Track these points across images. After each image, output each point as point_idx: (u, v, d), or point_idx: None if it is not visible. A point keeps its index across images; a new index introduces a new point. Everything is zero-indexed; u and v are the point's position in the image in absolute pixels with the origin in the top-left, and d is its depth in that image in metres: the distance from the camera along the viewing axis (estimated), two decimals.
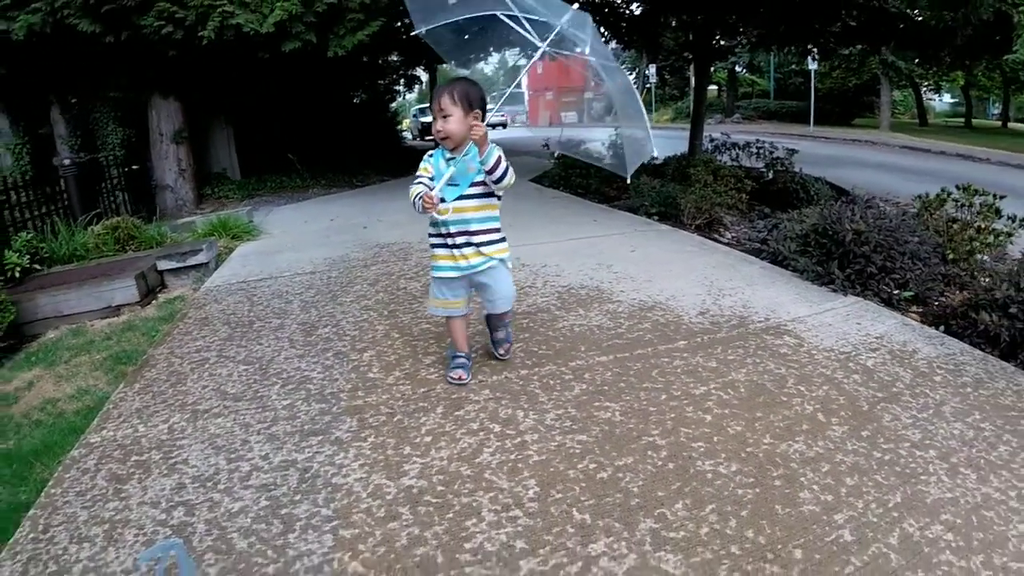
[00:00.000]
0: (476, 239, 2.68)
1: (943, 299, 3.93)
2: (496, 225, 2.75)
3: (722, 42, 11.34)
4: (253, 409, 2.66)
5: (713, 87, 43.61)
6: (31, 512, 2.09)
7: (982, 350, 3.16)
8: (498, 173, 2.58)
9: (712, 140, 9.75)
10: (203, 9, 6.91)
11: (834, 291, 3.89)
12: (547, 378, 2.81)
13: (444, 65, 19.30)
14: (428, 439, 2.35)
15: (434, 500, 2.00)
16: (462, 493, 2.03)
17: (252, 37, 7.10)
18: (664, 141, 10.27)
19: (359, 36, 7.63)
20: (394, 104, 16.71)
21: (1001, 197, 4.67)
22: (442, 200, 2.58)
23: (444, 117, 2.58)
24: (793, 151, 9.27)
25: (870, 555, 1.73)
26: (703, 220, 6.02)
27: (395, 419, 2.51)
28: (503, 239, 2.78)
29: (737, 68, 37.10)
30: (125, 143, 8.84)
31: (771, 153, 9.19)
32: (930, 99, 44.89)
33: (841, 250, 4.02)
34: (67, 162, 6.85)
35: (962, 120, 35.86)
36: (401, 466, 2.19)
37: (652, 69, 35.48)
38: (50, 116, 8.54)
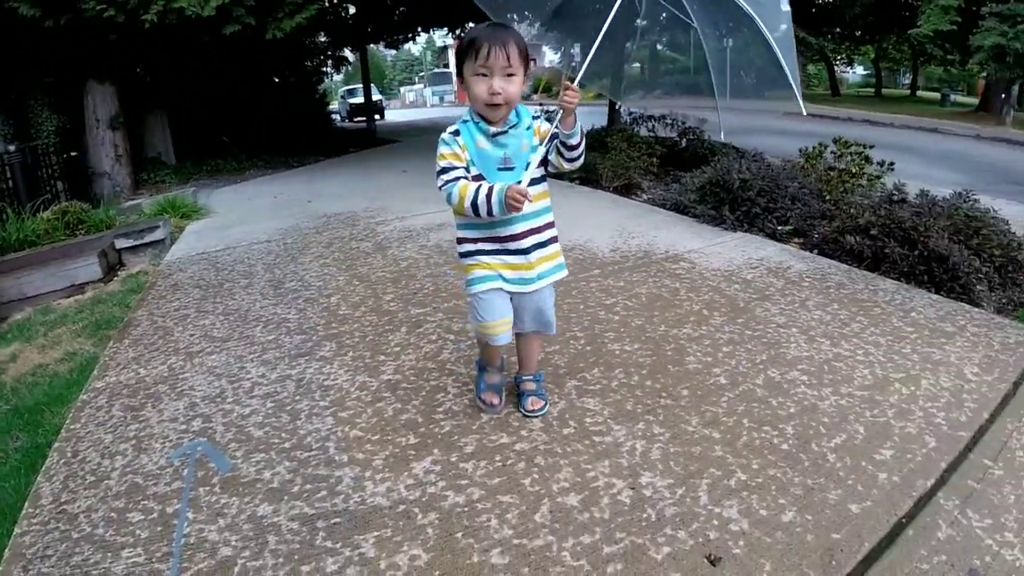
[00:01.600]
0: (544, 237, 2.19)
1: (820, 230, 4.70)
2: (553, 219, 2.25)
3: None
4: (242, 345, 3.13)
5: (636, 64, 44.48)
6: (56, 445, 2.35)
7: (848, 265, 3.92)
8: (582, 146, 2.10)
9: (631, 113, 10.45)
10: None
11: (726, 229, 4.60)
12: None
13: (372, 46, 19.38)
14: (397, 349, 2.90)
15: (409, 386, 2.56)
16: (431, 379, 2.59)
17: (193, 20, 7.34)
18: (586, 117, 10.93)
19: (297, 19, 7.95)
20: (322, 86, 16.85)
21: (870, 147, 5.48)
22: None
23: (508, 76, 2.00)
24: (704, 120, 10.04)
25: (740, 391, 2.39)
26: (620, 183, 6.68)
27: (367, 339, 3.04)
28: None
29: (658, 46, 37.87)
30: (60, 130, 8.88)
31: (683, 123, 9.95)
32: (844, 72, 47.11)
33: (731, 196, 4.75)
34: (12, 149, 7.01)
35: (873, 91, 37.86)
36: (379, 368, 2.73)
37: (577, 48, 36.00)
38: None
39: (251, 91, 11.83)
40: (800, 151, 5.82)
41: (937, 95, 33.94)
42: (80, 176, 8.95)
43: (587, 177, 6.87)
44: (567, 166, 2.13)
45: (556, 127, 2.05)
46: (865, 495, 1.86)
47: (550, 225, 2.22)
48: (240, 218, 6.37)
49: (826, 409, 2.29)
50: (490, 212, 2.01)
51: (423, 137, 14.13)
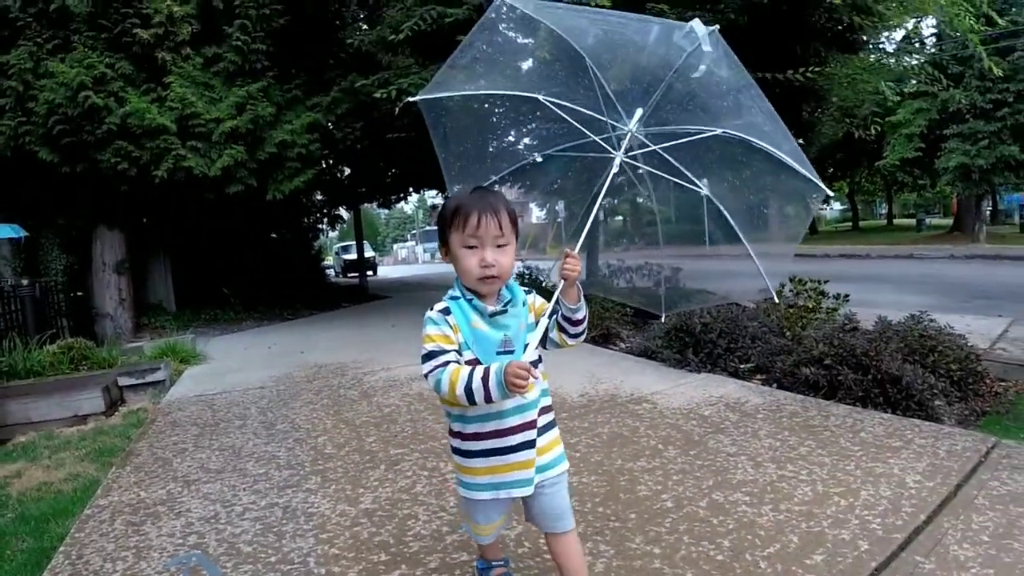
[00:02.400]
0: (544, 421, 1.92)
1: (779, 366, 5.06)
2: (551, 401, 2.00)
3: None
4: (236, 476, 3.41)
5: (619, 217, 46.62)
6: (61, 549, 2.70)
7: (805, 395, 4.25)
8: (586, 320, 1.93)
9: (609, 266, 11.13)
10: (158, 151, 7.90)
11: (690, 371, 4.97)
12: None
13: (365, 205, 20.52)
14: (376, 483, 3.17)
15: (384, 513, 2.82)
16: (403, 508, 2.86)
17: (200, 179, 8.09)
18: None
19: (296, 182, 8.76)
20: (318, 242, 17.79)
21: (825, 282, 5.98)
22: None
23: (500, 246, 1.82)
24: (678, 269, 10.68)
25: (684, 512, 2.66)
26: (598, 333, 7.12)
27: (349, 474, 3.31)
28: None
29: (638, 199, 39.75)
30: (68, 270, 9.41)
31: (659, 273, 10.60)
32: (821, 209, 49.36)
33: (694, 339, 5.16)
34: (24, 283, 7.49)
35: (850, 224, 39.60)
36: (358, 499, 2.99)
37: (561, 204, 37.87)
38: None
39: (251, 244, 12.58)
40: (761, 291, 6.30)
41: (913, 221, 35.32)
42: (84, 315, 9.44)
43: None
44: (571, 342, 1.92)
45: (558, 301, 1.87)
46: None
47: (548, 409, 1.95)
48: (236, 365, 6.72)
49: (763, 524, 2.54)
50: (488, 398, 1.70)
51: (413, 294, 14.80)
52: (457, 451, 1.94)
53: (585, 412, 4.11)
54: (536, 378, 1.74)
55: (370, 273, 23.08)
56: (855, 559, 2.28)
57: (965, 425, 3.91)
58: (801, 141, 9.48)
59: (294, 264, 14.14)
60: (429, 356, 1.80)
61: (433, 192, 20.26)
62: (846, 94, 8.98)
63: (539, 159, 2.89)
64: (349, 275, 25.30)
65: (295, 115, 8.77)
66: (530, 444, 1.87)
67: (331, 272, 26.05)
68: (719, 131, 2.56)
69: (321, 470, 3.41)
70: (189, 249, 11.28)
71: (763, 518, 2.60)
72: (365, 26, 9.50)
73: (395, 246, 59.85)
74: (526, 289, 1.98)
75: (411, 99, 2.73)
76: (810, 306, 5.74)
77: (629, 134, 2.42)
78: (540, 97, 2.64)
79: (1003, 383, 4.81)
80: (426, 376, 1.80)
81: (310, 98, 8.98)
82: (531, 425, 1.87)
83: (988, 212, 29.25)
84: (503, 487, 1.88)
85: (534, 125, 3.10)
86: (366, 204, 20.22)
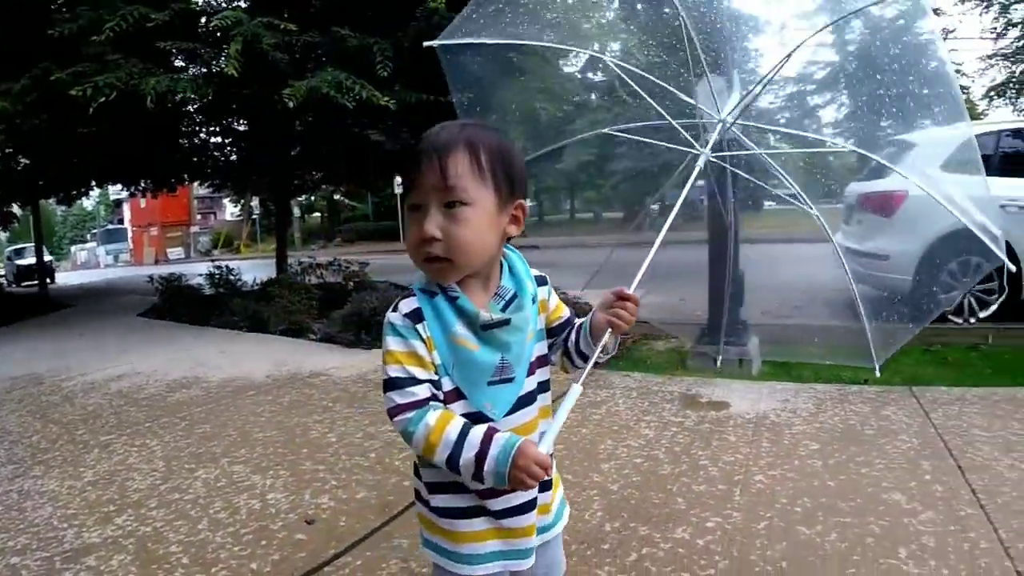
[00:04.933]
0: (549, 473, 1.29)
1: None
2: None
3: (296, 182, 13.64)
4: None
5: (317, 214, 46.56)
6: None
7: None
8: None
9: (300, 263, 11.77)
10: None
11: (364, 349, 6.02)
12: (167, 423, 4.29)
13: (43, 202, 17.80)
14: (94, 462, 3.73)
15: (106, 481, 3.43)
16: (121, 475, 3.48)
17: None
18: (256, 269, 12.05)
19: None
20: None
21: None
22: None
23: (449, 208, 1.22)
24: (365, 264, 11.70)
25: (345, 442, 3.67)
26: (286, 326, 7.85)
27: (69, 460, 3.81)
28: None
29: (336, 196, 40.00)
30: None
31: (347, 268, 11.51)
32: None
33: (364, 321, 6.22)
34: None
35: (537, 218, 43.69)
36: (81, 475, 3.55)
37: (256, 200, 36.82)
38: None
39: None
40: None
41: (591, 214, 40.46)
42: None
43: (254, 324, 7.90)
44: (571, 370, 1.51)
45: (601, 351, 1.42)
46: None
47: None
48: None
49: (403, 444, 3.64)
50: (478, 478, 1.22)
51: (100, 303, 13.84)
52: (448, 512, 1.34)
53: (270, 389, 4.97)
54: (550, 477, 1.33)
55: (48, 280, 20.43)
56: None
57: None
58: None
59: None
60: (392, 385, 1.25)
61: (118, 187, 18.32)
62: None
63: (589, 138, 2.28)
64: (24, 284, 22.06)
65: None
66: (533, 502, 1.37)
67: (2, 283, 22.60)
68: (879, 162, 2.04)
69: (43, 461, 3.82)
70: None
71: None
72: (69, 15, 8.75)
73: (74, 248, 52.46)
74: (538, 273, 1.44)
75: (429, 43, 2.21)
76: None
77: (720, 125, 1.87)
78: (606, 58, 2.06)
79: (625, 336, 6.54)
80: (390, 417, 1.26)
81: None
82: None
83: None
84: (505, 557, 1.36)
85: (592, 96, 2.37)
86: (44, 200, 17.85)
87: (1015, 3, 24.80)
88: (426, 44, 2.32)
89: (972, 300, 6.77)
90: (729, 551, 2.42)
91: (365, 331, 6.20)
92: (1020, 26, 23.85)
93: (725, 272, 4.42)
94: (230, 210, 52.02)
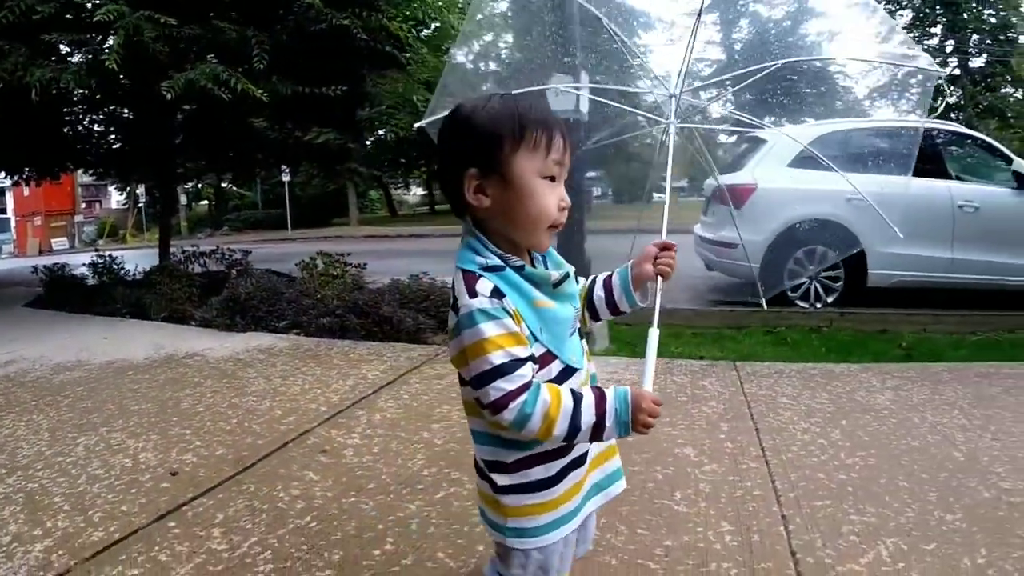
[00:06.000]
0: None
1: (308, 320, 6.77)
2: None
3: (179, 170, 13.59)
4: None
5: (204, 202, 45.15)
6: None
7: (321, 338, 6.02)
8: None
9: (184, 251, 11.85)
10: None
11: (238, 332, 6.46)
12: (52, 401, 4.61)
13: None
14: None
15: None
16: None
17: None
18: (147, 258, 12.06)
19: None
20: None
21: (348, 254, 7.98)
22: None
23: (555, 180, 1.37)
24: (248, 252, 11.92)
25: (212, 412, 4.16)
26: (167, 312, 8.10)
27: None
28: None
29: (224, 184, 38.96)
30: None
31: (230, 256, 11.70)
32: (404, 194, 53.84)
33: (240, 306, 6.65)
34: None
35: (428, 208, 44.16)
36: None
37: (142, 188, 35.49)
38: None
39: None
40: (296, 264, 8.07)
41: None
42: None
43: (136, 311, 8.12)
44: (588, 325, 1.64)
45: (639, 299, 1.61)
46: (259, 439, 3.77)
47: None
48: None
49: (264, 408, 4.18)
50: (598, 438, 1.35)
51: None
52: (530, 486, 1.40)
53: (147, 369, 5.36)
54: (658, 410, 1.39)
55: None
56: (316, 413, 4.06)
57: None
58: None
59: None
60: (498, 373, 1.26)
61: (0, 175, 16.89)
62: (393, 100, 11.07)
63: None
64: None
65: None
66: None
67: None
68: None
69: None
70: None
71: (264, 405, 4.27)
72: None
73: None
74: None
75: (418, 124, 2.35)
76: (335, 273, 7.64)
77: (673, 100, 2.10)
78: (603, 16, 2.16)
79: None
80: (495, 408, 1.28)
81: None
82: None
83: None
84: (596, 491, 1.53)
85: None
86: None
87: (900, 9, 27.64)
88: (416, 126, 2.56)
89: (818, 286, 7.83)
90: None
91: (240, 315, 6.62)
92: (906, 31, 26.60)
93: (574, 259, 5.24)
94: (116, 198, 49.82)
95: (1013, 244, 7.61)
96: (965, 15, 28.69)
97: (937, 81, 2.73)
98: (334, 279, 7.59)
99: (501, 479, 1.42)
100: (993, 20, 29.08)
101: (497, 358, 1.26)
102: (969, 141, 8.43)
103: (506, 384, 1.26)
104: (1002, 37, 29.01)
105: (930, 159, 7.87)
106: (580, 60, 2.58)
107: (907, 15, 30.24)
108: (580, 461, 1.46)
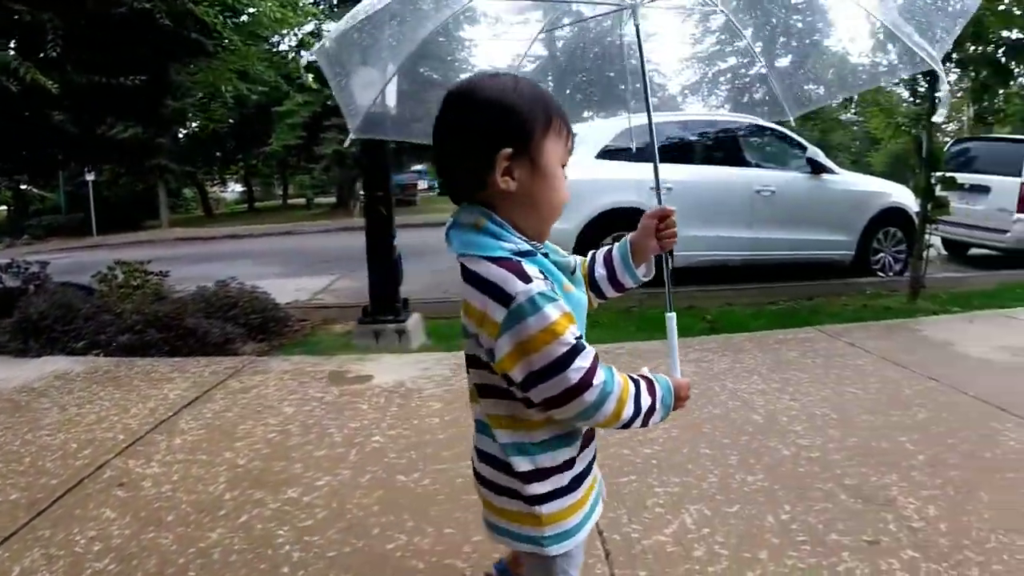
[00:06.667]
0: None
1: (107, 337, 6.14)
2: None
3: None
4: None
5: (3, 207, 40.33)
6: None
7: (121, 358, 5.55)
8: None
9: None
10: None
11: (33, 357, 5.83)
12: None
13: None
14: None
15: None
16: None
17: None
18: None
19: None
20: None
21: (149, 262, 7.45)
22: None
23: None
24: (46, 264, 10.77)
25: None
26: None
27: None
28: None
29: (22, 186, 34.90)
30: None
31: (26, 270, 10.53)
32: (221, 192, 50.67)
33: (33, 327, 6.01)
34: None
35: (246, 206, 42.14)
36: None
37: None
38: None
39: None
40: (92, 276, 7.41)
41: (305, 200, 39.61)
42: None
43: None
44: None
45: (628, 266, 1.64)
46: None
47: None
48: None
49: (69, 448, 3.79)
50: (646, 422, 1.34)
51: None
52: (565, 489, 1.38)
53: None
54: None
55: None
56: (113, 443, 3.76)
57: (264, 355, 5.66)
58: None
59: None
60: (574, 352, 1.21)
61: None
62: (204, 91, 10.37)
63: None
64: None
65: None
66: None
67: None
68: None
69: None
70: None
71: (59, 439, 3.91)
72: None
73: None
74: None
75: (355, 136, 2.35)
76: (136, 284, 7.09)
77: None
78: None
79: (304, 322, 6.93)
80: (578, 391, 1.22)
81: None
82: None
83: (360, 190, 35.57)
84: (599, 498, 1.54)
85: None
86: None
87: (712, 13, 29.69)
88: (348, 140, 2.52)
89: None
90: (330, 504, 3.04)
91: (34, 338, 5.99)
92: (716, 34, 28.63)
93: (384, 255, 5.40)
94: None
95: (808, 223, 8.55)
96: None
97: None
98: (135, 290, 7.05)
99: (539, 488, 1.36)
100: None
101: (571, 337, 1.21)
102: (768, 132, 9.22)
103: (583, 362, 1.22)
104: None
105: (730, 149, 8.59)
106: None
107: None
108: (587, 470, 1.47)
